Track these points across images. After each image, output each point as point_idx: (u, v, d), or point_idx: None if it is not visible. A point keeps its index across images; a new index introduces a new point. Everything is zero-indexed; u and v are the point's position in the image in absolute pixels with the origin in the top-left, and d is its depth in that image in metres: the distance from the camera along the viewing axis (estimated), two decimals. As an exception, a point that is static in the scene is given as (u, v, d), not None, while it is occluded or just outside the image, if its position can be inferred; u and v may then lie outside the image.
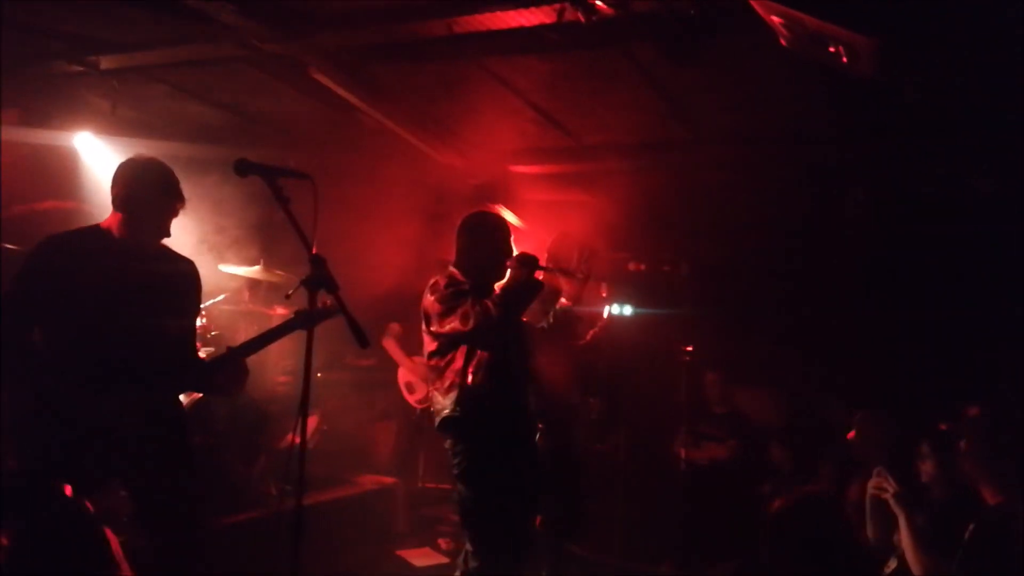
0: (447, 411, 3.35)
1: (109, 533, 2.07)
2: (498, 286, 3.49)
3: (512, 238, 3.57)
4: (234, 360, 3.03)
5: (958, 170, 4.27)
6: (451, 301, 3.30)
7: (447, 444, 3.43)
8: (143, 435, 2.86)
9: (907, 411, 4.41)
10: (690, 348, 5.35)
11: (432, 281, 3.47)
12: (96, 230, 3.00)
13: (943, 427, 3.35)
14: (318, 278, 2.50)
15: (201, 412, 4.39)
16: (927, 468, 3.31)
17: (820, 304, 5.66)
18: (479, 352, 3.34)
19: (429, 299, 3.40)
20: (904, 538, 3.10)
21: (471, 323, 3.22)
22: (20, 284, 2.85)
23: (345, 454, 5.69)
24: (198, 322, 4.61)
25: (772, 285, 5.87)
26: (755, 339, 5.86)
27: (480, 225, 3.57)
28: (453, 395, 3.33)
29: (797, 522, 2.47)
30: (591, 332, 3.99)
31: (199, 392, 3.81)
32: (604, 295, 4.48)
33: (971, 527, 2.86)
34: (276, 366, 5.71)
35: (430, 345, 3.43)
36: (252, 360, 5.20)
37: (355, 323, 2.55)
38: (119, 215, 2.96)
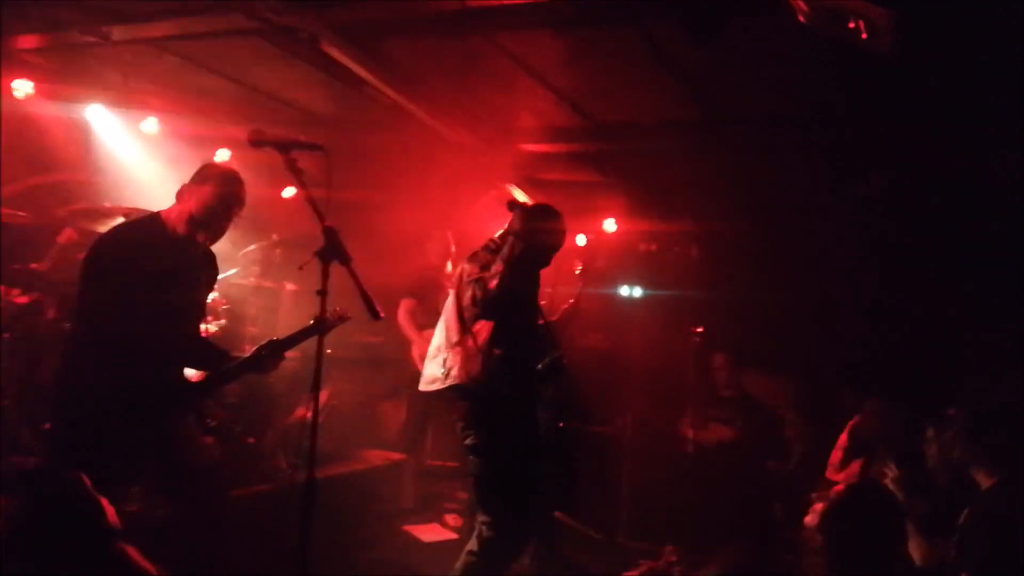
0: (462, 380, 3.43)
1: (105, 503, 2.09)
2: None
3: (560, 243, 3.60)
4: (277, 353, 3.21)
5: (980, 153, 4.21)
6: (478, 276, 3.45)
7: (455, 415, 3.49)
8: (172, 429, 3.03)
9: (918, 396, 4.40)
10: (700, 329, 5.34)
11: (473, 251, 3.58)
12: (157, 221, 3.10)
13: (951, 412, 3.34)
14: (331, 250, 2.50)
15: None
16: (932, 453, 3.31)
17: (833, 288, 5.63)
18: (500, 329, 3.42)
19: (467, 267, 3.53)
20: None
21: (472, 303, 3.40)
22: (95, 286, 2.95)
23: (354, 430, 5.71)
24: (209, 296, 4.68)
25: (784, 268, 5.85)
26: (765, 322, 5.84)
27: (534, 220, 3.50)
28: (475, 365, 3.41)
29: (860, 514, 2.43)
30: (564, 307, 4.03)
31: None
32: (577, 272, 4.53)
33: (965, 511, 2.87)
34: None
35: (469, 310, 3.51)
36: (261, 335, 5.22)
37: (367, 296, 2.55)
38: (187, 214, 3.05)
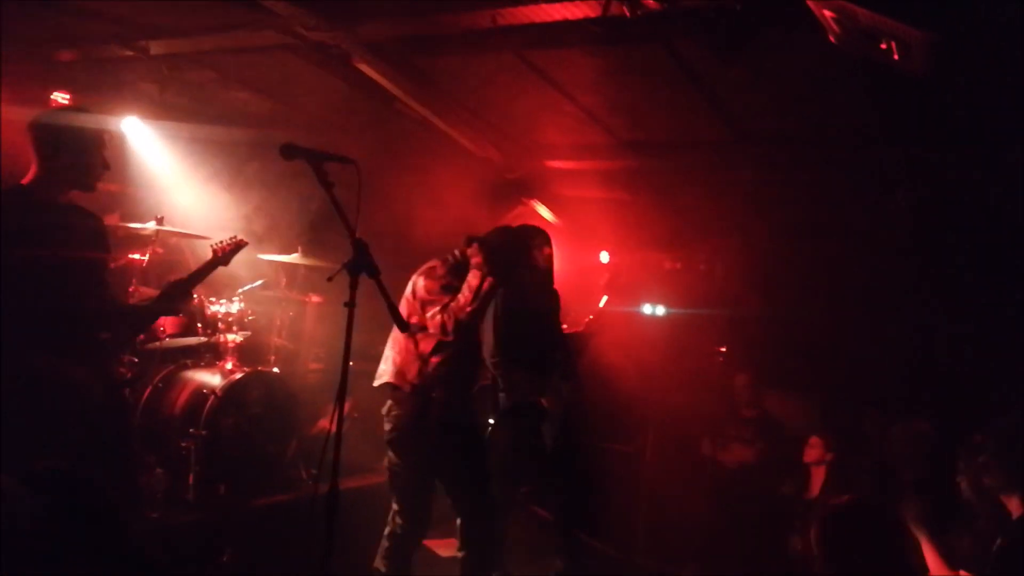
0: (395, 379, 3.57)
1: (117, 504, 2.10)
2: None
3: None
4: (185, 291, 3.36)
5: (1009, 174, 4.16)
6: (437, 295, 3.55)
7: (384, 408, 3.65)
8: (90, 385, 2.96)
9: (945, 421, 4.33)
10: (723, 349, 5.31)
11: (431, 265, 3.66)
12: (25, 189, 2.98)
13: (977, 439, 3.28)
14: (360, 262, 2.52)
15: (235, 393, 4.46)
16: (964, 486, 3.24)
17: (857, 309, 5.57)
18: (447, 344, 3.54)
19: (424, 283, 3.61)
20: (928, 558, 3.03)
21: (442, 331, 3.50)
22: None
23: (374, 443, 5.71)
24: (235, 307, 4.73)
25: (809, 288, 5.79)
26: (789, 342, 5.78)
27: (499, 252, 3.60)
28: (412, 369, 3.55)
29: (855, 530, 2.29)
30: (587, 319, 4.04)
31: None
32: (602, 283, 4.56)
33: (998, 541, 2.81)
34: (308, 353, 5.76)
35: (414, 316, 3.60)
36: (285, 346, 5.23)
37: (395, 309, 2.58)
38: (45, 173, 2.97)
